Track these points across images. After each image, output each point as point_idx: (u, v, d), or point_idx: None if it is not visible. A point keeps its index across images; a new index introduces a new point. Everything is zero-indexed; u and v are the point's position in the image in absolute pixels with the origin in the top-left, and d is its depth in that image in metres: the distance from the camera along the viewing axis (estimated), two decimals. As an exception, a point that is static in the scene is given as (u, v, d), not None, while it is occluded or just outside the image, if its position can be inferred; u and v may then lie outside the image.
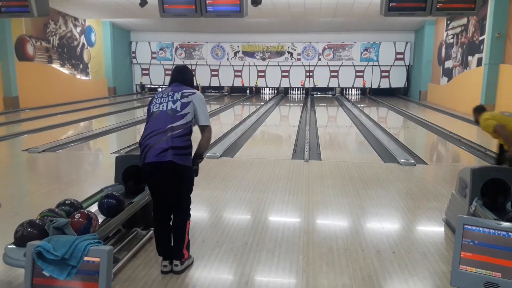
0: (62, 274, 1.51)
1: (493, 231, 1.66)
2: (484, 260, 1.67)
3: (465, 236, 1.69)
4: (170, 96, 2.95)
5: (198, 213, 4.31)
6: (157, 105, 2.96)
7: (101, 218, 3.21)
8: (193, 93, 2.99)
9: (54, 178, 6.08)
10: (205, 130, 3.05)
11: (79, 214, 2.75)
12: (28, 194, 5.05)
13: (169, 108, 2.91)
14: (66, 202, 3.07)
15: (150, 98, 3.20)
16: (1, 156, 7.53)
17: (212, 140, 8.32)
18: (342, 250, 3.49)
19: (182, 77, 3.08)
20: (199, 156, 3.09)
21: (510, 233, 1.64)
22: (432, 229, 4.07)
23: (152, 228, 3.55)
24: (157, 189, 3.05)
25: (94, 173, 6.47)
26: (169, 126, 2.87)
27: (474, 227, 1.68)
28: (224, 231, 3.85)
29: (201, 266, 3.17)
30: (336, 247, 3.55)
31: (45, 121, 11.15)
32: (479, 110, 5.25)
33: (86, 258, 1.50)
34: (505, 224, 1.66)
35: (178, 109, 2.91)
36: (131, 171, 3.78)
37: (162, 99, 2.96)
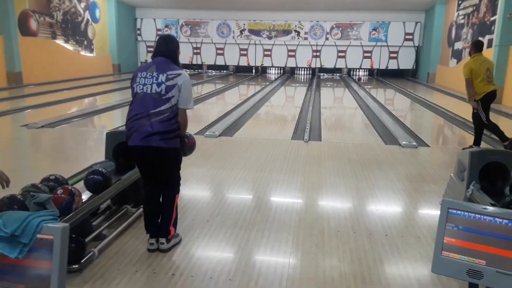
0: (13, 251, 1.45)
1: (479, 216, 1.57)
2: (468, 247, 1.57)
3: (449, 221, 1.60)
4: (154, 78, 2.82)
5: (190, 191, 4.27)
6: (141, 86, 2.84)
7: (88, 195, 3.17)
8: (179, 75, 2.86)
9: (49, 153, 6.06)
10: (182, 112, 2.91)
11: (62, 190, 2.70)
12: (20, 170, 5.01)
13: (153, 91, 2.80)
14: (51, 177, 3.02)
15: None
16: None
17: (214, 118, 8.35)
18: (334, 231, 3.43)
19: (166, 48, 2.95)
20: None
21: (496, 219, 1.55)
22: (428, 213, 3.99)
23: (142, 206, 3.51)
24: (146, 170, 3.05)
25: (92, 149, 6.42)
26: (154, 110, 2.79)
27: (459, 212, 1.59)
28: (215, 210, 3.80)
29: (188, 245, 3.13)
30: (327, 228, 3.49)
31: (48, 97, 11.12)
32: (476, 48, 6.16)
33: (39, 236, 1.44)
34: (492, 209, 1.57)
35: (163, 92, 2.80)
36: (122, 147, 3.70)
37: (146, 79, 2.84)
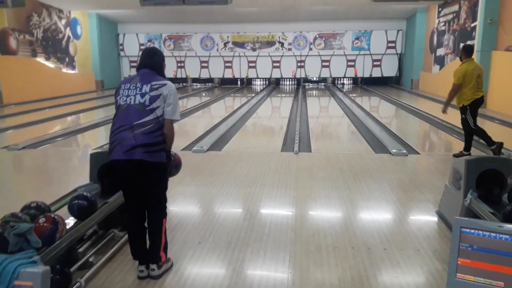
0: (-13, 302, 1.30)
1: (494, 234, 1.47)
2: (484, 268, 1.48)
3: (462, 241, 1.50)
4: (138, 89, 2.72)
5: (180, 211, 4.11)
6: (124, 98, 2.73)
7: (73, 221, 3.00)
8: (164, 85, 2.75)
9: (32, 176, 5.83)
10: (168, 123, 2.77)
11: (44, 218, 2.53)
12: (0, 196, 4.79)
13: (137, 102, 2.69)
14: (32, 205, 2.83)
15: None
16: (-20, 154, 7.23)
17: (202, 132, 8.20)
18: (331, 247, 3.31)
19: (150, 61, 2.83)
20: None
21: (513, 237, 1.46)
22: (425, 223, 3.90)
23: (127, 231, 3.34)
24: (129, 188, 2.86)
25: (76, 170, 6.21)
26: (138, 122, 2.66)
27: (473, 230, 1.49)
28: (207, 230, 3.65)
29: (180, 270, 2.97)
30: (324, 244, 3.37)
31: (30, 117, 10.83)
32: (467, 52, 6.14)
33: (16, 283, 1.29)
34: (508, 226, 1.48)
35: (147, 103, 2.68)
36: (107, 168, 3.55)
37: (130, 91, 2.73)
